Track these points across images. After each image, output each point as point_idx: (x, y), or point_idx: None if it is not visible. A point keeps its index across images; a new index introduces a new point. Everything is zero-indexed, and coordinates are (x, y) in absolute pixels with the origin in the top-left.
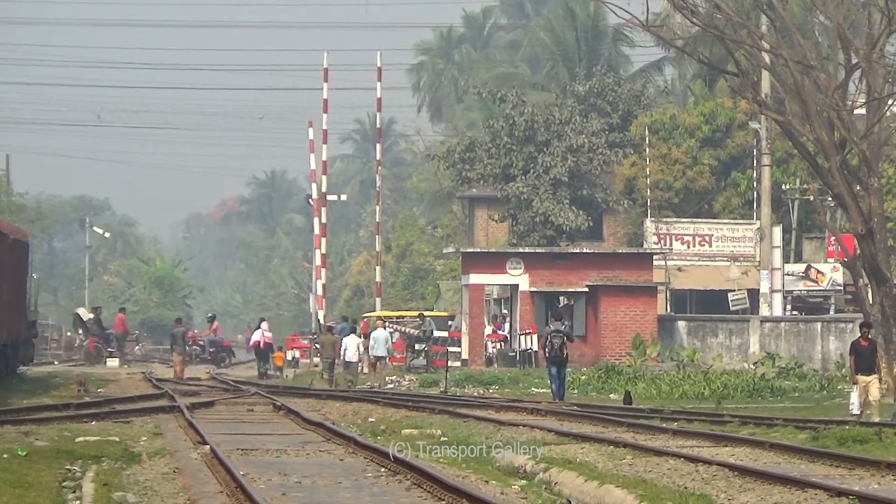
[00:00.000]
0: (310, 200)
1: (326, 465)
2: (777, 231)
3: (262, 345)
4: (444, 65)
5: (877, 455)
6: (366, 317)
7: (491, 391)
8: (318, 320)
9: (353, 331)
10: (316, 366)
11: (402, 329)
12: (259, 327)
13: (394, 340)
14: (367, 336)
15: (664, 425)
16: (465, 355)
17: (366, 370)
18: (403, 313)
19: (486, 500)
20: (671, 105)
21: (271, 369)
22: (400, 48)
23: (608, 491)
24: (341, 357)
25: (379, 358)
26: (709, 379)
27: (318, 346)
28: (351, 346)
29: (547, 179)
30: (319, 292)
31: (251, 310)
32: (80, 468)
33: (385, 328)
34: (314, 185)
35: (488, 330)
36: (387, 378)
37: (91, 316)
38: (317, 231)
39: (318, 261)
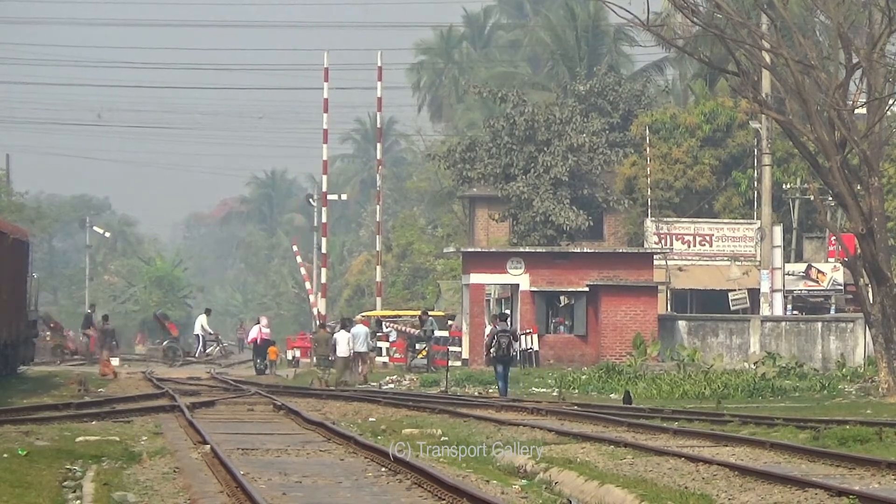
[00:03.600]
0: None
1: (327, 464)
2: (777, 231)
3: (259, 341)
4: (445, 64)
5: (877, 455)
6: (365, 315)
7: (491, 391)
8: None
9: (345, 328)
10: (316, 365)
11: (400, 328)
12: (258, 323)
13: (392, 339)
14: None
15: (664, 425)
16: (465, 355)
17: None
18: (400, 313)
19: (486, 499)
20: (672, 105)
21: (269, 368)
22: (400, 48)
23: (608, 491)
24: (332, 353)
25: (359, 353)
26: (709, 378)
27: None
28: (342, 343)
29: (547, 179)
30: (318, 305)
31: (251, 309)
32: (81, 468)
33: (363, 324)
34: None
35: (489, 329)
36: (383, 379)
37: None
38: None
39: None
